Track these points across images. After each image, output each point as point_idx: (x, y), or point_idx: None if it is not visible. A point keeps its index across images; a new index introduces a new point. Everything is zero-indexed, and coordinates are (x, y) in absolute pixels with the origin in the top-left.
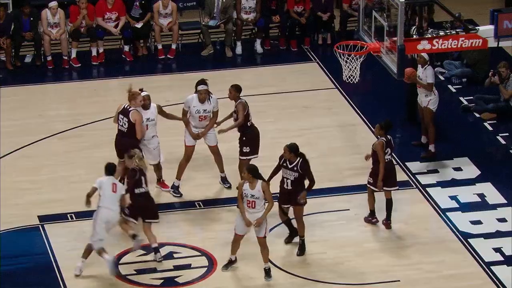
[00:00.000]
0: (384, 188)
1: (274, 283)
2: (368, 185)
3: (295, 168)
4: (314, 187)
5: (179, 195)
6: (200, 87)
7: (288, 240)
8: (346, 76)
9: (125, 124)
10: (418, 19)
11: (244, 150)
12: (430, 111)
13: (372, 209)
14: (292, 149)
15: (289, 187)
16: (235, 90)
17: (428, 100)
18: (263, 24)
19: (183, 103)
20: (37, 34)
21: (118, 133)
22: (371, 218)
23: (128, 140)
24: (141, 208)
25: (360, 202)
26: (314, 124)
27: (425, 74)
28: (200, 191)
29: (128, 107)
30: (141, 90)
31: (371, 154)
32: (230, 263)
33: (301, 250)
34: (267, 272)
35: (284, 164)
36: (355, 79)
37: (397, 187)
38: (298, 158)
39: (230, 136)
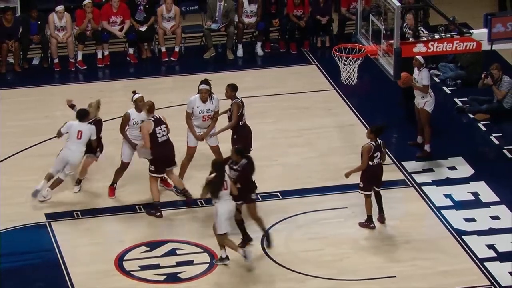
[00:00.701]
0: (374, 187)
1: (273, 278)
2: (360, 191)
3: (238, 169)
4: (312, 186)
5: (182, 194)
6: (201, 87)
7: (242, 245)
8: (344, 78)
9: (165, 131)
10: (414, 23)
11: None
12: (426, 112)
13: (369, 215)
14: (238, 152)
15: (238, 186)
16: (231, 89)
17: (424, 102)
18: (263, 27)
19: (186, 104)
20: (44, 37)
21: (163, 144)
22: (368, 223)
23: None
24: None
25: (357, 201)
26: (314, 124)
27: (420, 76)
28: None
29: (158, 116)
30: (134, 92)
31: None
32: (221, 259)
33: (268, 242)
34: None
35: (231, 166)
36: (352, 81)
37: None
38: (243, 160)
39: (229, 136)
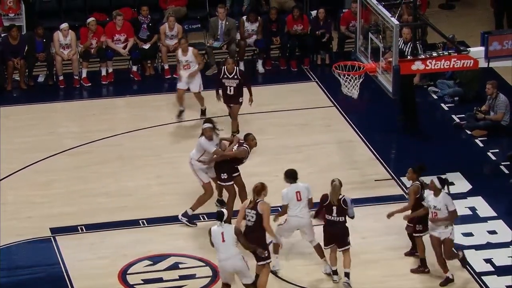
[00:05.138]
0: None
1: None
2: (420, 234)
3: (235, 77)
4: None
5: (194, 225)
6: (205, 126)
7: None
8: (346, 90)
9: (252, 217)
10: (413, 41)
11: (222, 177)
12: (451, 241)
13: (423, 257)
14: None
15: (232, 93)
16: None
17: (450, 231)
18: (264, 45)
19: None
20: (50, 55)
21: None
22: (423, 268)
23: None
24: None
25: (356, 215)
26: (313, 140)
27: (443, 202)
28: (204, 205)
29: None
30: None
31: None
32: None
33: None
34: None
35: (225, 76)
36: (354, 96)
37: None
38: (236, 68)
39: None
